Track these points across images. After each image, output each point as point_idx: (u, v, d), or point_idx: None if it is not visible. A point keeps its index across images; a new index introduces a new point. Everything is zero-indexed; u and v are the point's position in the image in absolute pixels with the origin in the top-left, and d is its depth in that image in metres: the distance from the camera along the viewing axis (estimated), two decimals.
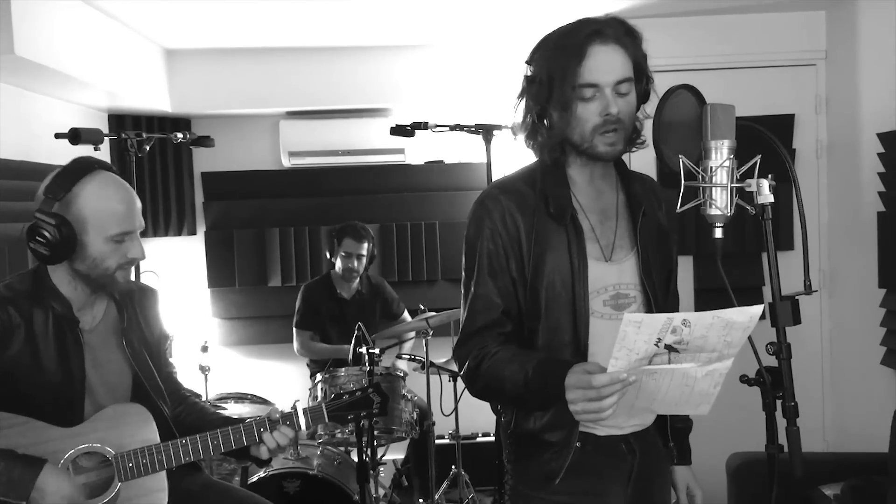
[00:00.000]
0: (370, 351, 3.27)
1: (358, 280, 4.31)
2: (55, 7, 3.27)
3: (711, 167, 1.49)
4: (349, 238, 4.17)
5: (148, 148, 3.26)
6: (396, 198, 4.93)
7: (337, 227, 4.25)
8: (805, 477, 1.47)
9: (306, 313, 4.28)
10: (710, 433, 3.97)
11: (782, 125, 4.05)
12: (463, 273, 1.72)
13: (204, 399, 3.57)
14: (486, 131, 3.00)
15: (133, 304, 2.16)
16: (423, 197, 4.93)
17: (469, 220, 1.70)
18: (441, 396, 3.68)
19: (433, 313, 3.77)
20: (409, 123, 3.15)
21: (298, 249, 4.85)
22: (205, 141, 3.54)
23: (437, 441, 3.98)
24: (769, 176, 1.48)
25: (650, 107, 1.63)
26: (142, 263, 3.19)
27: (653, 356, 1.38)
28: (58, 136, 2.98)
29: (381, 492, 3.70)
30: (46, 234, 1.90)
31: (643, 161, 3.81)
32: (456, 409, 3.63)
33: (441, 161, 4.92)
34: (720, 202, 1.49)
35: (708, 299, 4.19)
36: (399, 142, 4.60)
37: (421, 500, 4.00)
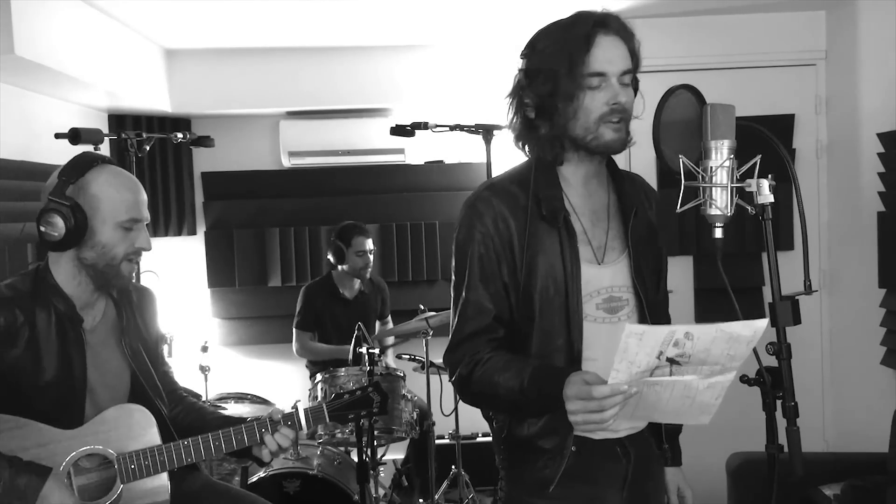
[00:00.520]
0: (370, 351, 3.27)
1: (360, 280, 4.31)
2: (55, 7, 3.27)
3: (711, 167, 1.49)
4: (360, 236, 4.18)
5: (148, 148, 3.27)
6: (396, 198, 4.93)
7: (337, 229, 4.24)
8: (805, 477, 1.48)
9: (307, 314, 4.28)
10: (710, 433, 3.97)
11: (782, 125, 4.05)
12: (452, 277, 1.69)
13: (204, 399, 3.58)
14: (486, 131, 3.01)
15: (131, 304, 2.16)
16: (423, 197, 4.93)
17: (459, 224, 1.67)
18: (441, 396, 3.68)
19: (433, 313, 3.77)
20: (409, 123, 3.15)
21: (298, 249, 4.86)
22: (205, 141, 3.54)
23: (437, 441, 3.98)
24: (769, 176, 1.48)
25: (638, 107, 1.63)
26: (142, 264, 3.20)
27: (654, 368, 1.37)
28: (58, 136, 2.98)
29: (381, 492, 3.70)
30: (60, 216, 1.90)
31: (643, 161, 3.83)
32: (456, 409, 3.63)
33: (441, 161, 4.93)
34: (720, 202, 1.49)
35: (708, 299, 4.20)
36: (399, 142, 4.60)
37: (421, 500, 4.00)
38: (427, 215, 4.91)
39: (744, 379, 1.53)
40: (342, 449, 3.58)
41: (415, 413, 3.60)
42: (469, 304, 1.63)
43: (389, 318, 4.52)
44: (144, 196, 2.04)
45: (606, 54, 1.55)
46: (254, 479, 3.30)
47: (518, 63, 1.65)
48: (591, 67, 1.55)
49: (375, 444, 3.26)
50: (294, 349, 4.31)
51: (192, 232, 4.94)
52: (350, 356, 3.50)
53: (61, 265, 2.00)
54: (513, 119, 1.68)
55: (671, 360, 1.34)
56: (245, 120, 4.92)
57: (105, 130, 3.48)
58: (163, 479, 1.99)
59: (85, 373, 1.99)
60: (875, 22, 3.66)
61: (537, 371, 1.53)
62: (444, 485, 3.98)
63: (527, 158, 1.70)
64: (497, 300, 1.62)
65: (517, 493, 1.69)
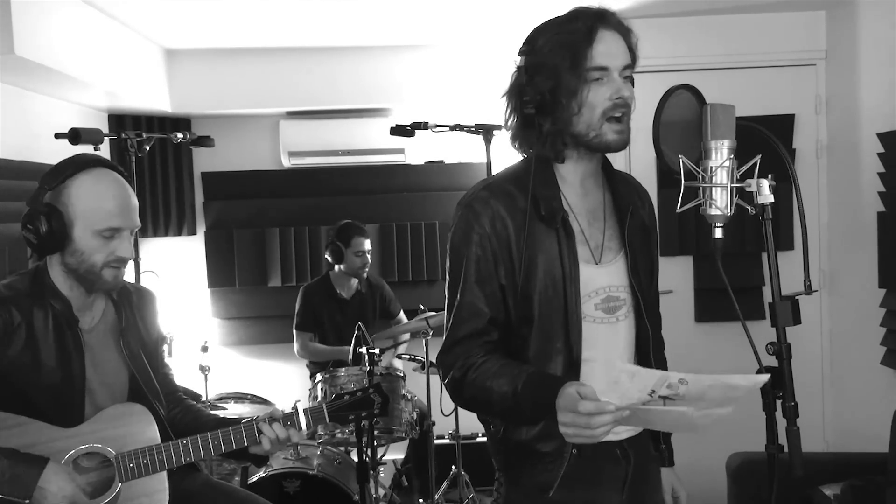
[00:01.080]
0: (370, 351, 3.27)
1: (357, 280, 4.31)
2: (55, 7, 3.27)
3: (711, 167, 1.49)
4: (359, 237, 4.19)
5: (148, 148, 3.27)
6: (396, 198, 4.93)
7: (335, 229, 4.24)
8: (805, 477, 1.47)
9: (306, 314, 4.28)
10: (711, 433, 3.96)
11: (782, 125, 4.05)
12: (447, 277, 1.66)
13: (204, 399, 3.58)
14: (486, 131, 3.01)
15: (131, 305, 2.16)
16: (423, 197, 4.93)
17: (455, 224, 1.64)
18: (441, 396, 3.68)
19: (433, 313, 3.77)
20: (409, 123, 3.15)
21: (298, 249, 4.86)
22: (205, 141, 3.54)
23: (437, 441, 3.99)
24: (769, 176, 1.48)
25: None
26: (142, 263, 3.21)
27: (647, 402, 1.34)
28: (58, 136, 2.98)
29: (381, 492, 3.70)
30: (34, 223, 1.92)
31: (643, 161, 3.83)
32: (456, 409, 3.63)
33: (441, 161, 4.93)
34: (720, 202, 1.49)
35: (708, 299, 4.20)
36: (399, 142, 4.60)
37: (421, 500, 4.00)
38: (427, 215, 4.91)
39: None
40: (342, 449, 3.59)
41: (415, 413, 3.60)
42: (463, 307, 1.61)
43: (402, 313, 4.50)
44: (130, 202, 1.99)
45: (608, 48, 1.55)
46: (254, 479, 3.30)
47: (516, 61, 1.63)
48: (593, 61, 1.54)
49: (375, 444, 3.26)
50: (295, 350, 4.31)
51: (192, 232, 4.94)
52: (350, 356, 3.50)
53: (54, 268, 2.00)
54: (510, 118, 1.66)
55: (664, 398, 1.33)
56: (245, 120, 4.92)
57: (105, 130, 3.48)
58: (162, 479, 1.99)
59: (83, 373, 1.99)
60: (875, 22, 3.66)
61: (531, 378, 1.50)
62: (444, 485, 3.98)
63: (523, 158, 1.69)
64: (492, 302, 1.60)
65: (516, 497, 1.67)
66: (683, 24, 4.09)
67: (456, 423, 3.73)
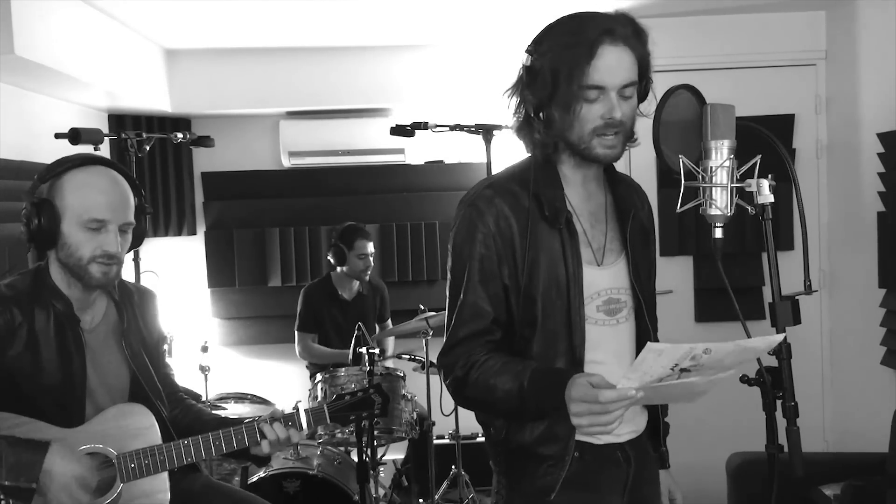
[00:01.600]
0: (370, 351, 3.27)
1: (359, 282, 4.31)
2: (55, 7, 3.27)
3: (711, 167, 1.49)
4: (362, 239, 4.19)
5: (148, 148, 3.27)
6: (396, 198, 4.93)
7: (338, 231, 4.24)
8: (805, 477, 1.47)
9: (307, 315, 4.29)
10: (710, 433, 3.99)
11: (782, 125, 4.05)
12: (448, 277, 1.64)
13: (204, 399, 3.58)
14: (486, 131, 3.01)
15: (132, 305, 2.16)
16: (423, 197, 4.94)
17: (458, 222, 1.62)
18: (441, 396, 3.68)
19: (433, 313, 3.77)
20: (409, 123, 3.15)
21: (298, 249, 4.86)
22: (205, 141, 3.55)
23: (437, 441, 3.99)
24: (769, 176, 1.48)
25: (648, 107, 1.61)
26: (142, 263, 3.21)
27: (665, 377, 1.35)
28: (58, 136, 2.98)
29: (381, 492, 3.70)
30: (28, 215, 1.93)
31: (643, 161, 3.83)
32: (456, 408, 3.63)
33: (441, 161, 4.93)
34: (720, 202, 1.49)
35: (708, 299, 4.20)
36: (399, 142, 4.60)
37: (421, 500, 4.00)
38: (427, 215, 4.92)
39: (744, 379, 1.53)
40: (342, 449, 3.59)
41: (415, 413, 3.60)
42: (466, 306, 1.59)
43: (389, 320, 4.52)
44: (120, 197, 1.98)
45: (609, 66, 1.50)
46: (254, 479, 3.30)
47: (523, 58, 1.61)
48: (590, 79, 1.50)
49: (375, 444, 3.26)
50: (297, 352, 4.30)
51: (192, 232, 4.94)
52: (350, 356, 3.50)
53: (54, 265, 2.01)
54: (517, 110, 1.64)
55: (683, 370, 1.33)
56: (245, 120, 4.92)
57: (105, 130, 3.48)
58: (163, 479, 1.99)
59: (84, 372, 1.99)
60: (875, 22, 3.66)
61: (537, 374, 1.50)
62: (444, 485, 3.98)
63: (527, 155, 1.67)
64: (495, 302, 1.58)
65: (517, 499, 1.66)
66: (683, 24, 4.09)
67: (456, 423, 3.73)
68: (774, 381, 1.48)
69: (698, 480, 3.38)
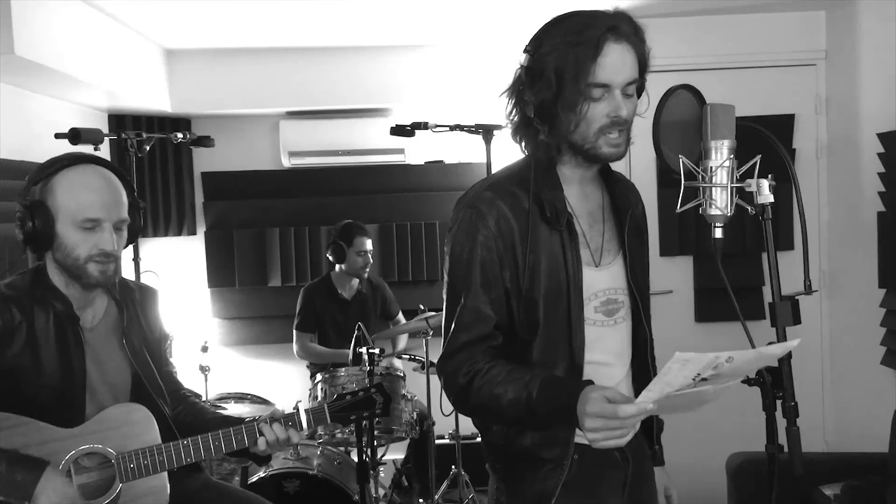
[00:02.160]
0: (370, 351, 3.27)
1: (358, 280, 4.32)
2: (55, 7, 3.27)
3: (711, 167, 1.49)
4: (361, 236, 4.20)
5: (148, 148, 3.27)
6: (396, 198, 4.93)
7: (337, 229, 4.24)
8: (805, 477, 1.47)
9: (307, 315, 4.29)
10: (710, 433, 3.98)
11: (782, 125, 4.05)
12: (446, 279, 1.60)
13: (204, 399, 3.57)
14: (486, 131, 3.01)
15: (134, 303, 2.16)
16: (423, 197, 4.94)
17: (457, 225, 1.58)
18: (441, 396, 3.67)
19: (433, 313, 3.77)
20: (409, 123, 3.15)
21: (298, 249, 4.86)
22: (205, 141, 3.55)
23: (437, 441, 3.99)
24: (769, 176, 1.48)
25: (640, 106, 1.60)
26: (142, 263, 3.21)
27: (685, 387, 1.34)
28: (58, 136, 2.98)
29: (381, 492, 3.70)
30: (22, 217, 1.93)
31: (643, 161, 3.83)
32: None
33: (441, 161, 4.93)
34: (720, 202, 1.49)
35: (708, 299, 4.20)
36: (399, 142, 4.60)
37: (421, 500, 4.00)
38: (427, 215, 4.92)
39: (744, 379, 1.53)
40: (342, 449, 3.58)
41: (415, 413, 3.60)
42: (467, 311, 1.55)
43: (400, 314, 4.50)
44: (113, 195, 1.98)
45: (614, 64, 1.49)
46: (254, 479, 3.30)
47: (521, 57, 1.58)
48: (596, 78, 1.48)
49: (375, 444, 3.26)
50: (294, 351, 4.31)
51: (192, 232, 4.94)
52: (350, 356, 3.50)
53: (51, 265, 2.01)
54: (512, 112, 1.61)
55: (703, 379, 1.31)
56: (245, 120, 4.92)
57: (105, 130, 3.48)
58: (162, 479, 1.99)
59: (84, 372, 1.99)
60: (875, 22, 3.66)
61: (546, 384, 1.46)
62: (444, 485, 3.98)
63: (524, 156, 1.65)
64: (497, 306, 1.55)
65: (517, 502, 1.64)
66: (683, 24, 4.09)
67: (456, 423, 3.73)
68: (774, 381, 1.48)
69: (698, 480, 3.38)
